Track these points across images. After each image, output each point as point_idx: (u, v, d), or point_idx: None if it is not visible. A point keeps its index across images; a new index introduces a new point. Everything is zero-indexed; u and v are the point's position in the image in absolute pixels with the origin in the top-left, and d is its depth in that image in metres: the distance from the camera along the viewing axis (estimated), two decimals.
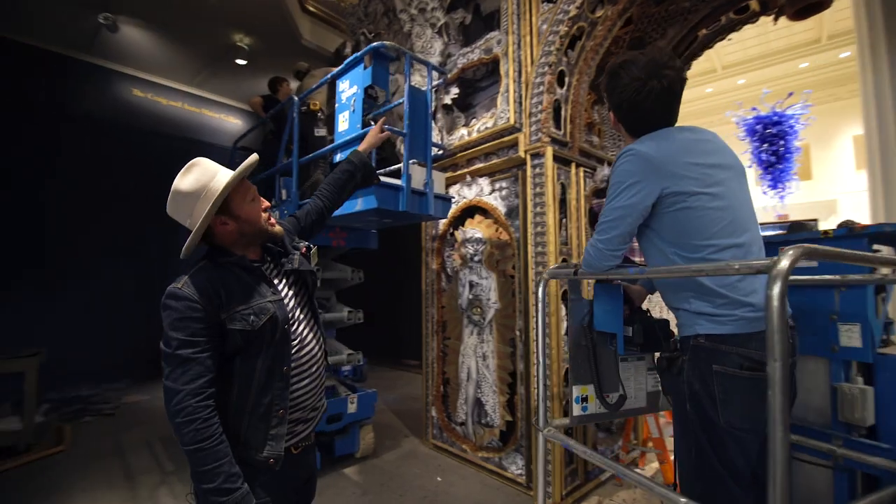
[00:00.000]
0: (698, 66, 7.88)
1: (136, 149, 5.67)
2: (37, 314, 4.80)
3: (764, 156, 6.53)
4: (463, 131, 3.01)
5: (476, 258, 2.88)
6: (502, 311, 2.74)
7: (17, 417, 3.00)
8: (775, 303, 0.75)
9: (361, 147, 1.70)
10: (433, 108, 3.22)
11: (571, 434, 2.47)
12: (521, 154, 2.58)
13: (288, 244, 1.27)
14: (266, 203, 1.21)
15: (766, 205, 6.64)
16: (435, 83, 2.75)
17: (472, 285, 2.93)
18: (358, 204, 2.19)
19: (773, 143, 6.51)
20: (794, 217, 6.90)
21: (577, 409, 1.50)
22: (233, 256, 1.13)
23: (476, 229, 2.89)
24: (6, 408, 3.08)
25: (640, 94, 1.20)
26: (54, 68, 5.21)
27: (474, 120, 3.03)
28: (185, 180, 1.08)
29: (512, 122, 2.64)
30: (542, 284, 1.56)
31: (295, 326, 1.19)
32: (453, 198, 2.78)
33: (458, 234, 3.02)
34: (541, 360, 1.59)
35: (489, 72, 3.03)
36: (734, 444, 1.09)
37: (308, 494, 1.29)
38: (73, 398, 4.33)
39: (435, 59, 3.17)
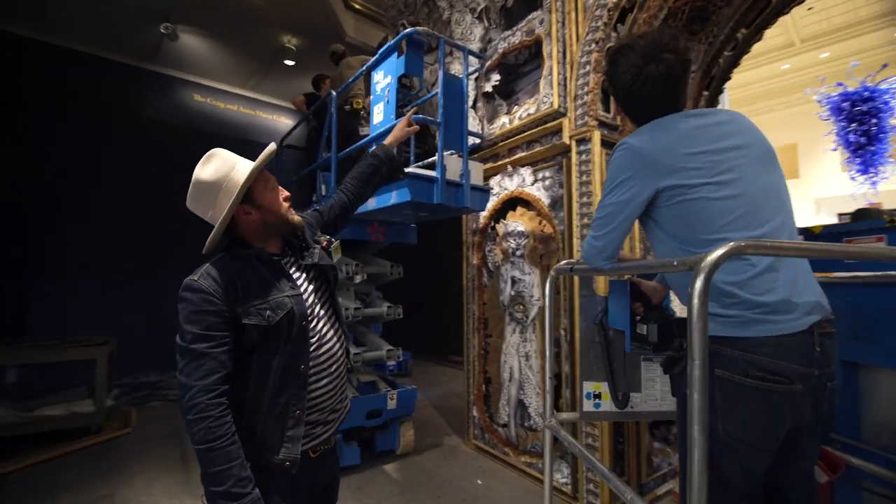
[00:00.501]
0: (772, 40, 7.12)
1: (197, 151, 6.02)
2: (115, 305, 5.22)
3: (852, 137, 5.77)
4: (504, 119, 2.86)
5: (518, 253, 2.74)
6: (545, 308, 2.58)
7: (90, 401, 3.26)
8: (695, 300, 0.74)
9: (388, 140, 1.63)
10: (474, 97, 3.10)
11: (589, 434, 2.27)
12: (566, 140, 2.40)
13: (309, 238, 1.23)
14: (286, 193, 1.18)
15: (856, 192, 5.87)
16: (473, 70, 2.63)
17: (514, 281, 2.79)
18: (392, 197, 2.13)
19: (864, 122, 5.73)
20: (889, 206, 6.05)
21: (588, 406, 1.56)
22: (252, 248, 1.10)
23: (518, 222, 2.74)
24: (83, 392, 3.36)
25: (637, 80, 1.13)
26: (126, 78, 5.64)
27: (516, 107, 2.88)
28: (205, 170, 1.06)
29: (555, 106, 2.46)
30: (549, 281, 1.55)
31: (314, 323, 1.14)
32: (492, 189, 2.66)
33: (500, 228, 2.89)
34: (547, 352, 1.66)
35: (532, 55, 2.86)
36: (732, 456, 1.01)
37: (328, 501, 1.23)
38: (142, 384, 4.68)
39: (475, 46, 3.04)
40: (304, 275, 1.19)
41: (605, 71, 1.24)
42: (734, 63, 2.95)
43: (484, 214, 2.99)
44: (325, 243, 1.27)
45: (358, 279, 2.76)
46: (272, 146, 1.12)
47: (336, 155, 2.72)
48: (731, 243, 0.75)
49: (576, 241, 2.35)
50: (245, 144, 6.48)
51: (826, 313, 1.01)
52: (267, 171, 1.14)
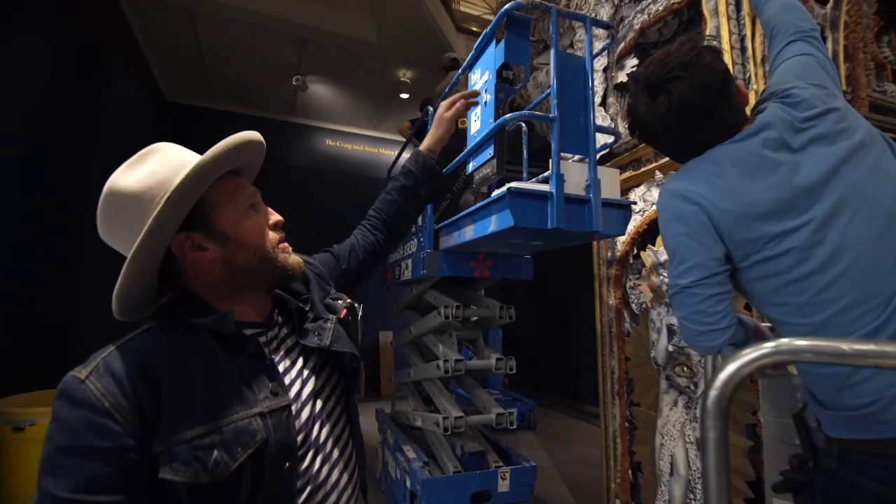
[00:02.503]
0: None
1: (327, 190, 6.42)
2: None
3: None
4: None
5: None
6: None
7: None
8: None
9: (424, 144, 1.10)
10: (603, 92, 2.45)
11: None
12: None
13: (317, 297, 0.78)
14: (276, 216, 0.74)
15: None
16: (599, 50, 2.02)
17: (672, 331, 1.98)
18: (490, 224, 1.61)
19: None
20: None
21: None
22: (209, 315, 0.64)
23: None
24: None
25: (650, 116, 0.91)
26: (271, 130, 6.35)
27: None
28: (130, 175, 0.62)
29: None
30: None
31: (308, 459, 0.67)
32: (635, 204, 1.94)
33: (647, 256, 2.13)
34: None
35: (683, 24, 2.13)
36: None
37: None
38: None
39: (601, 31, 2.41)
40: (301, 360, 0.73)
41: (626, 113, 1.01)
42: None
43: (623, 239, 2.27)
44: (343, 312, 0.79)
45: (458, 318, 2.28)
46: (252, 133, 0.68)
47: None
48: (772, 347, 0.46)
49: None
50: (369, 181, 6.76)
51: None
52: (240, 178, 0.71)
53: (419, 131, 3.16)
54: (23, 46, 2.61)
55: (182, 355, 0.60)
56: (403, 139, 3.90)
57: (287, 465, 0.62)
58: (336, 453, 0.72)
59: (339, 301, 0.81)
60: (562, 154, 1.49)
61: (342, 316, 0.78)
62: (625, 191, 2.18)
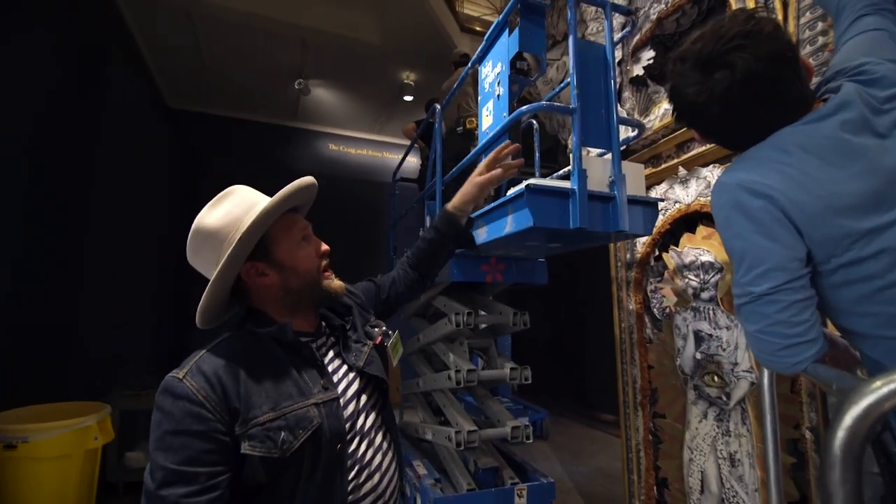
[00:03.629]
0: None
1: (333, 195, 6.34)
2: None
3: None
4: (668, 106, 2.03)
5: (705, 294, 1.82)
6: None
7: None
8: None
9: (452, 202, 1.19)
10: (618, 85, 2.34)
11: None
12: None
13: (358, 321, 0.96)
14: (324, 246, 0.90)
15: None
16: (618, 37, 1.91)
17: (700, 337, 1.86)
18: (507, 224, 1.49)
19: None
20: None
21: None
22: (271, 325, 0.81)
23: (702, 248, 1.84)
24: None
25: (703, 96, 0.79)
26: (273, 135, 6.28)
27: None
28: (211, 214, 0.81)
29: None
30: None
31: (355, 443, 0.82)
32: (662, 201, 1.82)
33: (670, 258, 2.01)
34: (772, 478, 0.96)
35: (703, 13, 2.01)
36: None
37: None
38: None
39: (616, 21, 2.30)
40: (346, 366, 0.90)
41: (669, 97, 0.90)
42: None
43: (643, 240, 2.14)
44: (379, 338, 0.96)
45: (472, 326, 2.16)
46: (307, 179, 0.86)
47: (441, 179, 2.23)
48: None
49: None
50: (374, 185, 6.67)
51: None
52: (297, 215, 0.89)
53: (425, 132, 3.06)
54: (21, 49, 2.54)
55: (253, 358, 0.76)
56: (408, 141, 3.81)
57: (338, 446, 0.77)
58: (378, 439, 0.87)
59: (377, 329, 0.98)
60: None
61: (378, 342, 0.95)
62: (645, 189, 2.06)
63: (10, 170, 2.45)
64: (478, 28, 4.84)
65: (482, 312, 2.29)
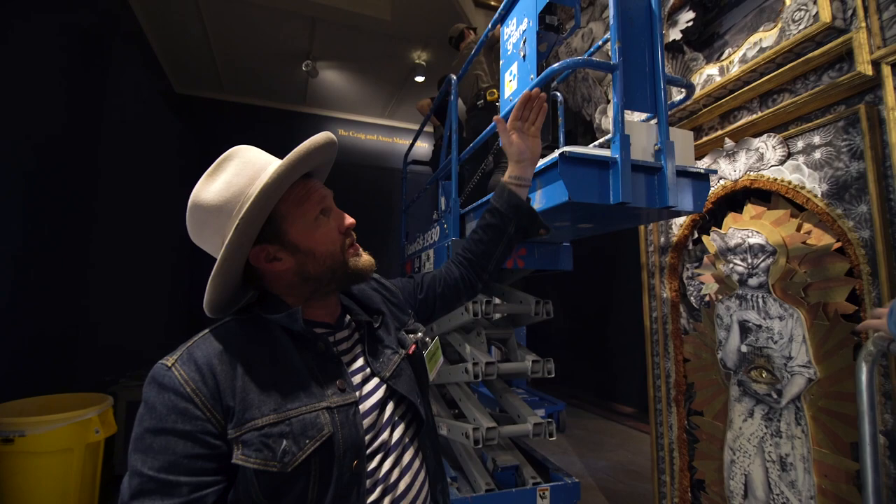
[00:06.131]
0: None
1: (344, 181, 6.20)
2: None
3: None
4: (710, 72, 1.83)
5: (753, 281, 1.63)
6: (826, 384, 1.41)
7: None
8: None
9: (508, 173, 0.97)
10: None
11: None
12: (864, 68, 1.28)
13: (390, 321, 0.81)
14: (348, 220, 0.73)
15: None
16: None
17: (745, 328, 1.67)
18: (535, 201, 1.32)
19: None
20: None
21: None
22: (281, 312, 0.66)
23: (750, 229, 1.64)
24: None
25: None
26: (281, 120, 6.14)
27: (728, 50, 1.82)
28: (209, 187, 0.65)
29: (825, 18, 1.37)
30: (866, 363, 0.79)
31: (377, 460, 0.66)
32: (714, 172, 1.62)
33: (711, 241, 1.81)
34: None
35: None
36: None
37: None
38: None
39: None
40: (368, 368, 0.73)
41: None
42: None
43: (680, 221, 1.95)
44: (413, 347, 0.78)
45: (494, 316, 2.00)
46: (322, 136, 0.69)
47: (457, 157, 2.06)
48: None
49: None
50: (386, 171, 6.51)
51: None
52: (311, 182, 0.71)
53: (439, 109, 2.88)
54: (24, 39, 2.41)
55: (255, 346, 0.63)
56: (419, 125, 3.62)
57: (355, 462, 0.62)
58: (407, 459, 0.71)
59: (412, 335, 0.82)
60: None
61: (411, 352, 0.78)
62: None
63: (16, 161, 2.34)
64: (493, 2, 4.60)
65: (503, 301, 2.13)
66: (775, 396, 1.57)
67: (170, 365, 0.59)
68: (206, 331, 0.65)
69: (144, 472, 0.53)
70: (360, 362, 0.73)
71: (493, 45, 2.52)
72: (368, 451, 0.65)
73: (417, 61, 5.05)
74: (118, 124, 3.45)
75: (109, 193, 3.34)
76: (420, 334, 0.83)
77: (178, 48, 4.73)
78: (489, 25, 1.79)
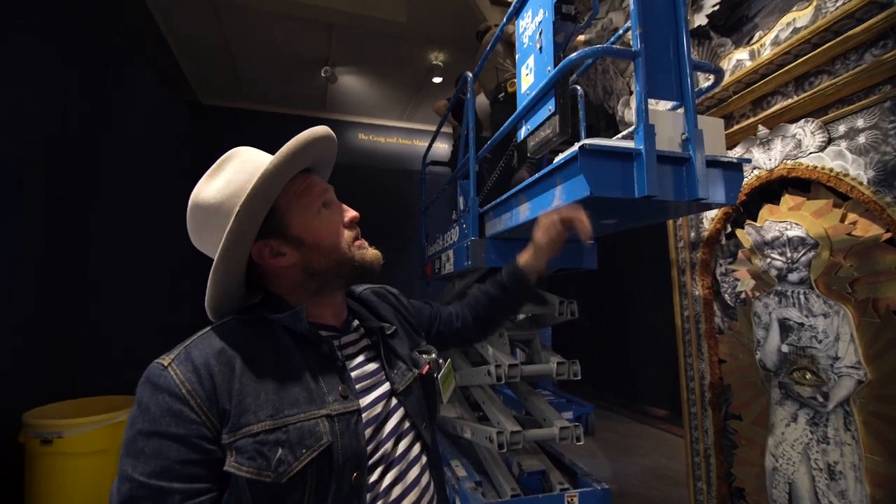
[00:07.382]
0: None
1: (363, 185, 6.25)
2: None
3: None
4: (740, 56, 1.73)
5: (794, 276, 1.53)
6: (877, 387, 1.31)
7: None
8: None
9: (523, 258, 1.01)
10: None
11: None
12: None
13: (403, 334, 0.81)
14: (351, 213, 0.73)
15: None
16: None
17: (786, 326, 1.57)
18: (555, 196, 1.28)
19: None
20: None
21: None
22: (284, 311, 0.65)
23: (789, 221, 1.55)
24: None
25: None
26: (303, 128, 6.24)
27: (758, 34, 1.72)
28: (209, 185, 0.65)
29: None
30: None
31: (377, 473, 0.63)
32: (748, 161, 1.53)
33: (746, 234, 1.72)
34: None
35: None
36: None
37: None
38: None
39: None
40: (380, 373, 0.72)
41: None
42: None
43: (711, 215, 1.86)
44: (426, 368, 0.77)
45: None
46: (319, 129, 0.69)
47: (475, 156, 2.02)
48: None
49: None
50: (406, 174, 6.52)
51: None
52: (311, 176, 0.71)
53: (456, 108, 2.85)
54: (40, 49, 2.52)
55: (255, 347, 0.61)
56: (439, 118, 3.60)
57: (355, 475, 0.59)
58: (412, 475, 0.68)
59: (425, 355, 0.80)
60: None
61: (424, 372, 0.77)
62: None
63: (31, 168, 2.43)
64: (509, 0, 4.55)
65: None
66: (821, 400, 1.47)
67: (166, 364, 0.57)
68: (207, 329, 0.63)
69: (135, 477, 0.51)
70: (365, 369, 0.70)
71: (513, 42, 2.47)
72: (370, 464, 0.63)
73: (435, 62, 5.05)
74: (140, 137, 3.57)
75: (143, 203, 3.46)
76: (434, 355, 0.82)
77: (201, 61, 4.87)
78: (504, 19, 1.74)
